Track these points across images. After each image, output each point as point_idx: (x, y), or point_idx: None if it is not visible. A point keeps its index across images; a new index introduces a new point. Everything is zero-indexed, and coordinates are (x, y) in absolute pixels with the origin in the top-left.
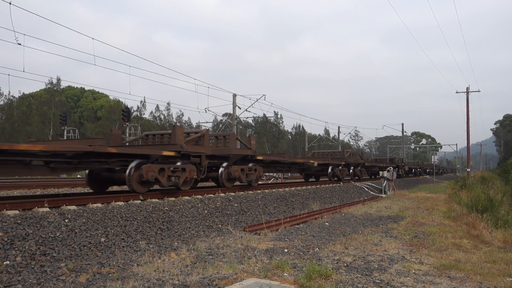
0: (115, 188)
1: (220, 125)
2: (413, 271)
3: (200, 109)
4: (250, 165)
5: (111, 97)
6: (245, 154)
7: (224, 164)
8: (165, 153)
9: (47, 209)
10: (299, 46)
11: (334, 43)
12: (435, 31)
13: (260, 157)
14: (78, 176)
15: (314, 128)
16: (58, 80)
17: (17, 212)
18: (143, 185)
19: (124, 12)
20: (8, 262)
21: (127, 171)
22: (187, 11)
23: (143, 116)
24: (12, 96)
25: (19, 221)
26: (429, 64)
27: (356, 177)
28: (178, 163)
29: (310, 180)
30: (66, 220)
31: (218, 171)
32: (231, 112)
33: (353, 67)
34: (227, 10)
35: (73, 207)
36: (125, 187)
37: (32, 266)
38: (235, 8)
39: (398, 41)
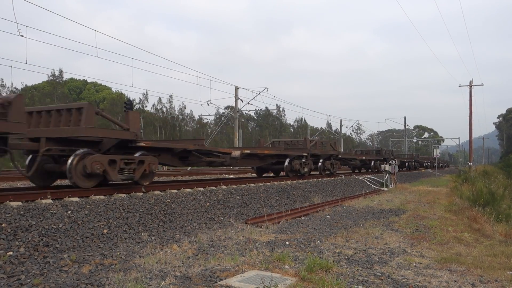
0: None
1: (223, 118)
2: (414, 264)
3: (203, 102)
4: (137, 154)
5: (113, 90)
6: (119, 138)
7: (79, 151)
8: None
9: (50, 201)
10: (292, 39)
11: (327, 35)
12: (432, 23)
13: (144, 144)
14: None
15: (316, 121)
16: (61, 72)
17: (20, 203)
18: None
19: (114, 2)
20: (11, 252)
21: None
22: (178, 2)
23: (146, 109)
24: (15, 88)
25: (22, 213)
26: (426, 57)
27: (327, 172)
28: None
29: (264, 175)
30: (69, 212)
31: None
32: (233, 105)
33: (348, 60)
34: (217, 0)
35: (75, 199)
36: None
37: (35, 257)
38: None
39: (393, 34)
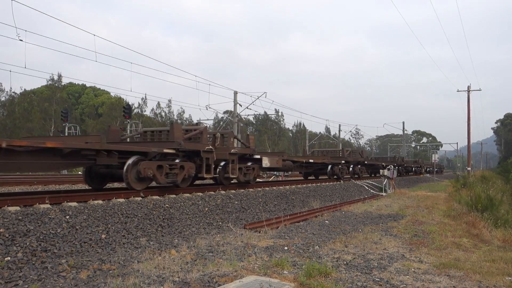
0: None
1: (221, 123)
2: (413, 269)
3: (201, 106)
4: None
5: (112, 94)
6: None
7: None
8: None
9: (48, 206)
10: (289, 44)
11: (323, 39)
12: (428, 26)
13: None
14: (79, 172)
15: (315, 126)
16: (59, 76)
17: (18, 208)
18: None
19: (110, 7)
20: (9, 258)
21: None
22: (174, 6)
23: (144, 113)
24: (13, 92)
25: (20, 217)
26: (423, 61)
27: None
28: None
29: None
30: (67, 217)
31: None
32: (232, 109)
33: (345, 63)
34: (212, 5)
35: (74, 204)
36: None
37: (33, 262)
38: (220, 3)
39: (389, 37)
